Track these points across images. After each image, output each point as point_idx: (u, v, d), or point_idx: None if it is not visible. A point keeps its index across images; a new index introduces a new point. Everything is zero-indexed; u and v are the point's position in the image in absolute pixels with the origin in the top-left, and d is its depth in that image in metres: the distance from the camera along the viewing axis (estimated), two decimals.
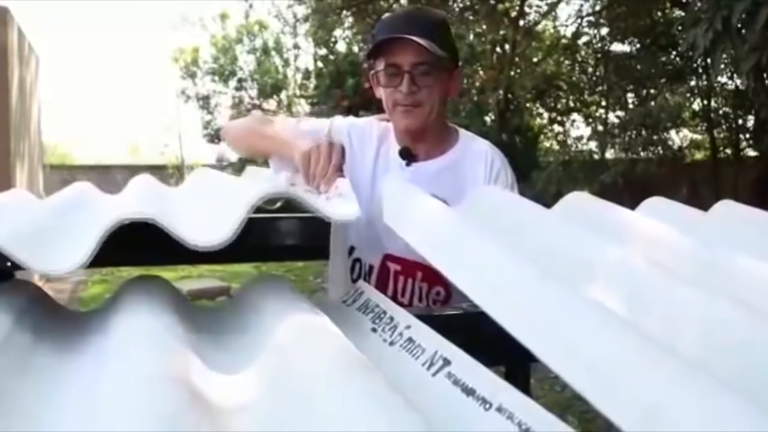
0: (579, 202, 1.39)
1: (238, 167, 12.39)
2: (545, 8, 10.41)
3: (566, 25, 10.55)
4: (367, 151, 1.73)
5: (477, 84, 10.82)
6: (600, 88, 10.37)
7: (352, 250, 1.73)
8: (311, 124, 1.78)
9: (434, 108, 1.64)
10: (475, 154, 1.73)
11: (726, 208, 1.43)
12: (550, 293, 0.80)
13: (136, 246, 1.12)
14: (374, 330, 1.07)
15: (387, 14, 1.90)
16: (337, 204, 1.20)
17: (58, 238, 1.05)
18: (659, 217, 1.32)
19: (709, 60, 6.53)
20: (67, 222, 1.14)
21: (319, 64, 12.40)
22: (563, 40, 10.38)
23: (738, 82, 7.50)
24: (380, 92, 1.68)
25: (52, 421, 0.76)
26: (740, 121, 9.01)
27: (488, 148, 1.75)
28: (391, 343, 1.01)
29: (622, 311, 0.85)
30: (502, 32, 9.71)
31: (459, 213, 1.17)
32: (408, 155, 1.70)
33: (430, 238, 1.04)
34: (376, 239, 1.67)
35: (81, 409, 0.76)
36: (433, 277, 1.63)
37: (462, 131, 1.80)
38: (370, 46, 1.67)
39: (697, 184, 9.32)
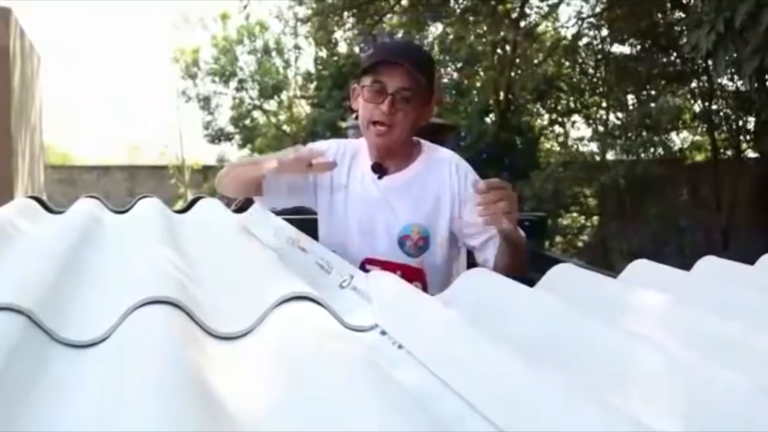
0: (564, 276, 1.41)
1: None
2: (546, 9, 10.40)
3: (567, 27, 10.55)
4: (343, 168, 1.95)
5: (478, 85, 10.82)
6: (600, 89, 10.35)
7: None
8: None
9: (404, 131, 1.85)
10: (438, 162, 1.95)
11: (708, 266, 1.47)
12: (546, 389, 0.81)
13: None
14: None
15: (383, 41, 2.24)
16: (353, 312, 1.18)
17: (82, 307, 1.08)
18: (644, 282, 1.35)
19: (709, 61, 6.53)
20: (90, 290, 1.18)
21: (320, 65, 12.39)
22: (564, 42, 10.36)
23: (739, 83, 7.49)
24: (358, 105, 1.88)
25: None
26: (741, 123, 9.00)
27: (450, 156, 1.98)
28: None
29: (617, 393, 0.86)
30: (502, 33, 9.70)
31: (449, 306, 1.18)
32: (379, 170, 1.93)
33: (425, 339, 1.03)
34: (353, 246, 1.90)
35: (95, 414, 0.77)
36: (411, 273, 1.86)
37: (425, 143, 2.02)
38: (364, 60, 1.95)
39: (698, 186, 9.31)
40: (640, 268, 1.48)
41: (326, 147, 1.98)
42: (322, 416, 0.77)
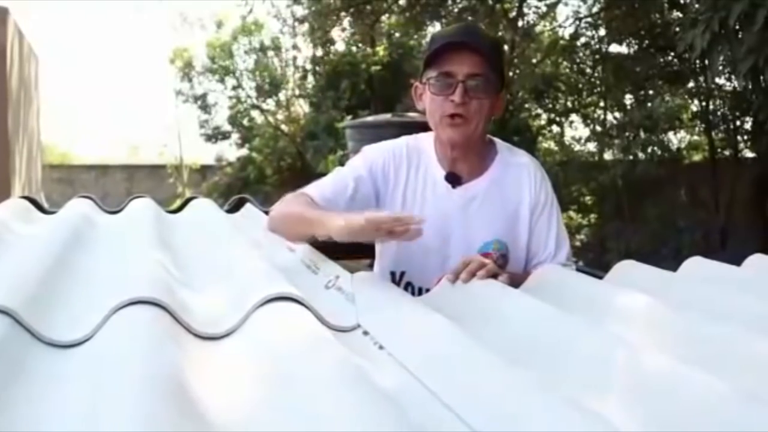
0: (549, 277, 1.42)
1: (237, 167, 12.38)
2: (544, 9, 10.40)
3: (564, 27, 10.53)
4: (401, 177, 1.72)
5: None
6: (598, 89, 10.35)
7: (402, 275, 1.72)
8: (334, 184, 1.71)
9: (480, 124, 1.64)
10: (517, 167, 1.75)
11: (694, 267, 1.48)
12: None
13: None
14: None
15: (442, 29, 1.89)
16: (336, 312, 1.19)
17: (68, 307, 1.08)
18: (629, 283, 1.36)
19: (707, 61, 6.54)
20: (77, 290, 1.18)
21: (317, 65, 12.37)
22: (561, 41, 10.36)
23: (736, 83, 7.50)
24: (426, 102, 1.67)
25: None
26: (738, 123, 9.01)
27: (529, 161, 1.78)
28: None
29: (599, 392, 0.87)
30: (500, 33, 9.70)
31: (433, 308, 1.18)
32: (453, 179, 1.70)
33: (406, 340, 1.04)
34: (431, 266, 1.67)
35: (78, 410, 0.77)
36: None
37: (498, 142, 1.80)
38: (426, 53, 1.67)
39: (696, 186, 9.32)
40: (626, 268, 1.49)
41: (381, 159, 1.73)
42: (301, 416, 0.78)
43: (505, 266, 1.66)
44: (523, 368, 0.89)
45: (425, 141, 1.76)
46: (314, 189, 1.69)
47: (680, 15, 7.81)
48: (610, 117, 10.32)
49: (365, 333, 1.08)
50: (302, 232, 1.59)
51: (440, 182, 1.71)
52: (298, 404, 0.80)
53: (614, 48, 9.82)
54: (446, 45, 1.61)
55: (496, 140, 1.80)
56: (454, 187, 1.70)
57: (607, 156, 9.97)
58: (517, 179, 1.73)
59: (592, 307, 1.18)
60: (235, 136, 12.89)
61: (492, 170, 1.73)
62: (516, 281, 1.44)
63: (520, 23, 9.91)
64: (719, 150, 9.27)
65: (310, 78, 12.58)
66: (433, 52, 1.63)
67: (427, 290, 1.66)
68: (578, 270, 1.69)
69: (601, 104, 10.32)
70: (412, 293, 1.66)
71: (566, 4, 10.55)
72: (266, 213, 2.06)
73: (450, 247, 1.70)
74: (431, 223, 1.66)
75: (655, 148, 9.33)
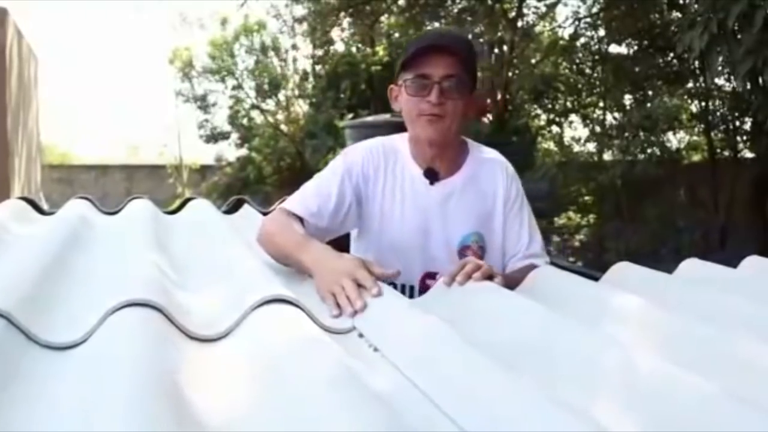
0: (545, 278, 1.42)
1: (237, 167, 12.38)
2: (543, 9, 10.40)
3: (564, 27, 10.53)
4: (380, 175, 1.77)
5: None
6: (598, 89, 10.35)
7: None
8: (317, 195, 1.71)
9: (455, 122, 1.70)
10: (490, 162, 1.83)
11: (690, 269, 1.48)
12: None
13: None
14: None
15: (416, 35, 1.98)
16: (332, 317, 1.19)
17: (64, 309, 1.09)
18: (624, 285, 1.36)
19: (706, 62, 6.54)
20: (73, 292, 1.19)
21: (316, 65, 12.37)
22: (561, 42, 10.36)
23: (735, 84, 7.49)
24: (402, 103, 1.73)
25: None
26: (737, 123, 9.00)
27: (500, 157, 1.86)
28: None
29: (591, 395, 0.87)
30: (500, 33, 9.71)
31: (427, 310, 1.18)
32: (431, 175, 1.76)
33: (400, 342, 1.04)
34: (414, 262, 1.72)
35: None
36: None
37: (468, 141, 1.86)
38: (402, 57, 1.73)
39: (695, 186, 9.31)
40: (623, 270, 1.49)
41: (360, 159, 1.77)
42: (295, 418, 0.79)
43: (483, 258, 1.69)
44: (517, 370, 0.89)
45: (399, 141, 1.81)
46: (300, 205, 1.70)
47: (680, 15, 7.81)
48: (609, 117, 10.31)
49: (360, 335, 1.08)
50: (290, 266, 1.55)
51: (418, 179, 1.76)
52: (293, 405, 0.81)
53: (613, 48, 9.82)
54: (422, 48, 1.67)
55: (467, 139, 1.87)
56: (432, 183, 1.76)
57: (607, 156, 9.95)
58: (491, 174, 1.80)
59: (588, 309, 1.19)
60: (234, 136, 12.89)
61: (466, 167, 1.80)
62: (511, 283, 1.45)
63: (519, 23, 9.91)
64: (718, 150, 9.26)
65: (310, 78, 12.57)
66: (410, 56, 1.68)
67: (411, 287, 1.73)
68: (574, 270, 1.70)
69: (601, 104, 10.31)
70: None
71: (566, 5, 10.55)
72: (264, 214, 2.06)
73: (431, 243, 1.75)
74: (411, 219, 1.75)
75: (655, 148, 9.31)
